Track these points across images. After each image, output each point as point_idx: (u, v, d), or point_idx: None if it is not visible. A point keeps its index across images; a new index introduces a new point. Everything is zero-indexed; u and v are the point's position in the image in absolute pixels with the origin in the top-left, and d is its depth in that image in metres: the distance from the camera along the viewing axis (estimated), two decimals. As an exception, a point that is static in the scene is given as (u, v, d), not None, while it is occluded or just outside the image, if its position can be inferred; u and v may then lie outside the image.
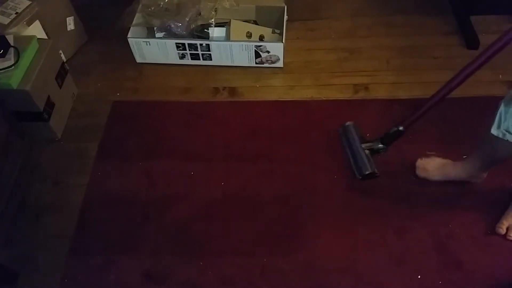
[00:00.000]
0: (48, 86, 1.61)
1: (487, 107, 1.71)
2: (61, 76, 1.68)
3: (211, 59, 1.85)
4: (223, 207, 1.47)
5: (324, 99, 1.77)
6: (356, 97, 1.77)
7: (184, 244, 1.40)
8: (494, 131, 1.09)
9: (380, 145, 1.41)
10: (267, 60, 1.84)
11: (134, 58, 1.91)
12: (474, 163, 1.36)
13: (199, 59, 1.86)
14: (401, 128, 1.33)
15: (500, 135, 1.09)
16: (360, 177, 1.44)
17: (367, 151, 1.44)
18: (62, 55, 1.82)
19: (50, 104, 1.60)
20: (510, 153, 1.17)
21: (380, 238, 1.38)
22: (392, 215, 1.42)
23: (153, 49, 1.84)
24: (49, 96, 1.59)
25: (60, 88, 1.68)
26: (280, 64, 1.85)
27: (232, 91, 1.82)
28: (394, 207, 1.43)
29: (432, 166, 1.47)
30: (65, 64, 1.74)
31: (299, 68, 1.88)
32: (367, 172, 1.41)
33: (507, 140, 1.08)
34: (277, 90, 1.81)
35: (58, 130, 1.68)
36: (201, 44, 1.79)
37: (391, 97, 1.75)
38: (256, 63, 1.85)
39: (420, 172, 1.48)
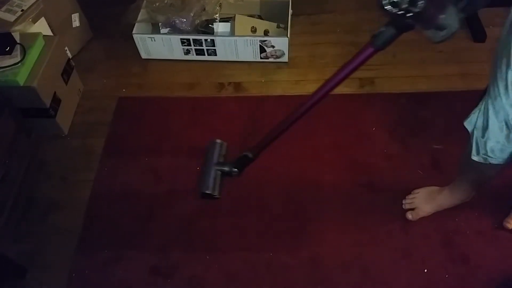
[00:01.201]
0: (54, 82, 1.61)
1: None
2: (67, 72, 1.69)
3: (216, 55, 1.85)
4: (229, 203, 1.47)
5: (330, 93, 1.76)
6: (362, 91, 1.76)
7: (190, 239, 1.41)
8: (474, 157, 1.02)
9: (234, 169, 1.35)
10: (272, 55, 1.83)
11: (139, 54, 1.91)
12: (464, 187, 1.27)
13: (204, 55, 1.86)
14: (250, 155, 1.27)
15: (482, 160, 1.01)
16: (199, 194, 1.39)
17: (218, 172, 1.39)
18: (68, 52, 1.83)
19: (56, 101, 1.61)
20: (497, 171, 1.08)
21: (386, 233, 1.38)
22: (398, 210, 1.42)
23: (158, 45, 1.84)
24: (55, 92, 1.60)
25: (66, 84, 1.69)
26: (285, 58, 1.85)
27: (237, 86, 1.81)
28: (399, 202, 1.43)
29: (420, 203, 1.37)
30: (71, 60, 1.75)
31: (304, 62, 1.88)
32: (205, 191, 1.36)
33: (490, 163, 1.00)
34: (282, 85, 1.81)
35: (65, 127, 1.69)
36: (206, 40, 1.79)
37: (397, 91, 1.74)
38: (261, 58, 1.84)
39: (414, 217, 1.38)
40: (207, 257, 1.37)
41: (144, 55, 1.91)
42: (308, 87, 1.78)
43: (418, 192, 1.40)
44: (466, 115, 1.73)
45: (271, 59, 1.85)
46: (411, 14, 0.80)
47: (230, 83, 1.82)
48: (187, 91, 1.81)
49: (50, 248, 1.42)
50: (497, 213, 1.39)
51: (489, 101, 0.92)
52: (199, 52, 1.85)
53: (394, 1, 0.80)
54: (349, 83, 1.78)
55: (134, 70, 1.90)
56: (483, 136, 0.97)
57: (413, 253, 1.34)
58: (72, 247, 1.41)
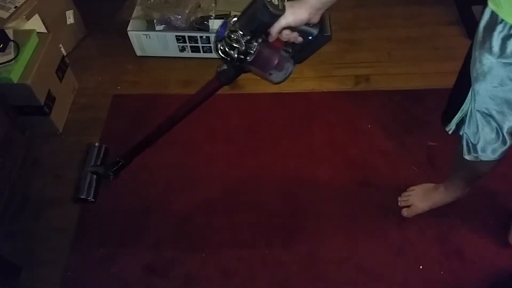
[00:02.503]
0: (49, 80, 1.60)
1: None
2: (61, 70, 1.68)
3: (211, 52, 1.84)
4: (224, 200, 1.47)
5: (325, 90, 1.76)
6: (357, 88, 1.77)
7: (186, 236, 1.41)
8: (467, 156, 1.02)
9: (110, 173, 1.31)
10: (267, 52, 1.82)
11: (134, 52, 1.90)
12: (458, 183, 1.28)
13: (200, 52, 1.85)
14: (122, 161, 1.27)
15: (474, 159, 1.02)
16: (74, 199, 1.34)
17: (94, 176, 1.35)
18: (62, 49, 1.82)
19: (50, 98, 1.60)
20: (491, 167, 1.09)
21: (381, 230, 1.38)
22: (393, 207, 1.42)
23: (153, 42, 1.84)
24: (49, 90, 1.59)
25: (61, 82, 1.68)
26: (280, 56, 1.84)
27: (233, 83, 1.80)
28: (394, 198, 1.43)
29: (415, 200, 1.38)
30: (65, 58, 1.74)
31: (300, 60, 1.87)
32: (79, 196, 1.31)
33: (482, 160, 1.01)
34: (278, 82, 1.81)
35: (59, 124, 1.68)
36: (201, 37, 1.78)
37: (392, 88, 1.75)
38: (256, 55, 1.84)
39: (409, 213, 1.38)
40: (203, 254, 1.36)
41: (139, 52, 1.90)
42: (304, 85, 1.78)
43: (413, 189, 1.41)
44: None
45: (266, 56, 1.84)
46: (244, 61, 0.88)
47: (225, 80, 1.82)
48: (182, 89, 1.80)
49: (45, 246, 1.41)
50: (491, 208, 1.39)
51: (475, 105, 0.93)
52: (195, 49, 1.84)
53: (225, 51, 0.87)
54: (344, 81, 1.79)
55: (129, 67, 1.89)
56: (474, 139, 0.98)
57: (408, 249, 1.34)
58: (67, 245, 1.40)
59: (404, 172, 1.50)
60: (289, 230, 1.40)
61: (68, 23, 1.88)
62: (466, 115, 0.99)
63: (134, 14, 1.85)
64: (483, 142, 0.97)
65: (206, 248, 1.38)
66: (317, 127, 1.64)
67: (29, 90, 1.47)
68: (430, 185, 1.39)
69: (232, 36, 0.86)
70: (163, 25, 1.88)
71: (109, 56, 1.94)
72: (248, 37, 0.86)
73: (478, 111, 0.93)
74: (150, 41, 1.83)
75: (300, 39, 0.88)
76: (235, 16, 0.88)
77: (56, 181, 1.56)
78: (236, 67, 0.95)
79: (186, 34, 1.79)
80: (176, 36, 1.79)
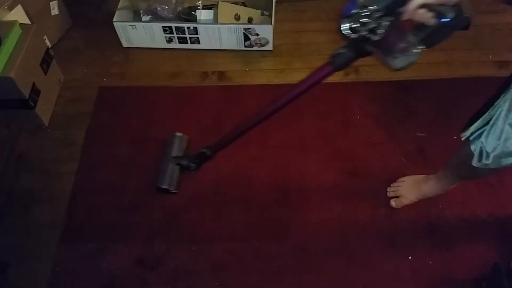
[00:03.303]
0: (33, 72, 1.57)
1: (478, 88, 1.71)
2: (46, 62, 1.64)
3: (199, 43, 1.82)
4: (215, 193, 1.47)
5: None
6: (346, 79, 1.76)
7: (176, 230, 1.40)
8: (476, 163, 0.99)
9: (192, 164, 1.35)
10: (256, 43, 1.81)
11: (121, 43, 1.87)
12: (451, 179, 1.27)
13: (187, 43, 1.83)
14: (208, 152, 1.27)
15: (483, 166, 0.99)
16: (156, 188, 1.40)
17: (176, 166, 1.38)
18: (47, 41, 1.78)
19: (35, 91, 1.57)
20: (491, 172, 1.06)
21: (371, 221, 1.39)
22: (383, 198, 1.42)
23: (140, 33, 1.80)
24: (34, 83, 1.55)
25: (46, 74, 1.65)
26: (269, 47, 1.83)
27: (221, 75, 1.79)
28: (384, 190, 1.44)
29: (404, 191, 1.38)
30: (50, 50, 1.70)
31: (289, 50, 1.86)
32: (161, 186, 1.37)
33: (490, 168, 0.99)
34: (267, 74, 1.79)
35: (45, 118, 1.65)
36: (188, 27, 1.76)
37: (382, 79, 1.74)
38: (245, 46, 1.82)
39: (397, 204, 1.39)
40: (193, 248, 1.36)
41: (125, 44, 1.87)
42: (293, 76, 1.77)
43: (403, 180, 1.41)
44: (451, 102, 1.74)
45: (255, 47, 1.83)
46: (370, 41, 0.81)
47: (214, 72, 1.80)
48: (170, 81, 1.78)
49: (33, 242, 1.40)
50: (479, 199, 1.41)
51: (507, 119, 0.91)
52: (182, 40, 1.82)
53: (353, 27, 0.81)
54: (334, 71, 1.78)
55: (115, 59, 1.86)
56: (490, 149, 0.95)
57: (397, 240, 1.35)
58: (55, 240, 1.39)
59: (394, 163, 1.51)
60: (280, 223, 1.40)
61: (52, 14, 1.84)
62: (487, 124, 0.96)
63: (120, 4, 1.82)
64: (501, 153, 0.94)
65: (196, 241, 1.37)
66: (306, 119, 1.63)
67: (13, 83, 1.44)
68: (420, 176, 1.39)
69: (363, 11, 0.79)
70: (150, 16, 1.85)
71: (95, 48, 1.91)
72: (380, 14, 0.78)
73: (510, 124, 0.90)
74: (137, 32, 1.80)
75: (433, 21, 0.80)
76: None
77: (43, 176, 1.53)
78: (357, 49, 0.88)
79: (173, 25, 1.76)
80: (162, 27, 1.76)
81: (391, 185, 1.43)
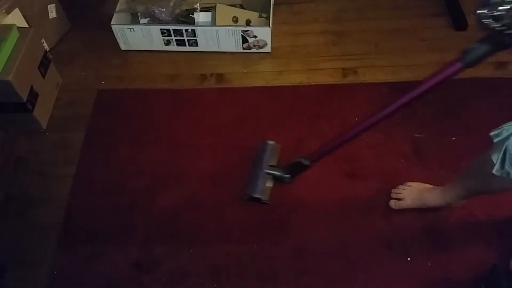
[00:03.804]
0: (31, 75, 1.57)
1: (475, 89, 1.71)
2: (44, 65, 1.65)
3: (197, 45, 1.82)
4: (212, 195, 1.46)
5: (313, 84, 1.75)
6: (345, 81, 1.76)
7: (174, 232, 1.39)
8: (497, 171, 0.93)
9: (286, 175, 1.28)
10: (254, 45, 1.81)
11: (119, 46, 1.87)
12: (458, 192, 1.24)
13: (185, 45, 1.83)
14: (307, 162, 1.20)
15: (504, 175, 0.93)
16: (246, 197, 1.33)
17: (268, 176, 1.32)
18: (45, 44, 1.78)
19: (33, 94, 1.57)
20: (506, 188, 1.03)
21: (369, 222, 1.38)
22: (381, 199, 1.42)
23: (138, 36, 1.81)
24: (32, 86, 1.55)
25: (44, 77, 1.65)
26: (267, 49, 1.83)
27: (220, 77, 1.79)
28: (381, 191, 1.43)
29: (407, 195, 1.37)
30: (48, 53, 1.70)
31: (287, 52, 1.86)
32: (254, 195, 1.30)
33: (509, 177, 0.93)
34: (265, 76, 1.79)
35: (43, 121, 1.65)
36: (186, 30, 1.76)
37: (380, 80, 1.74)
38: (243, 48, 1.82)
39: (396, 206, 1.39)
40: (191, 250, 1.35)
41: (123, 46, 1.87)
42: (292, 78, 1.77)
43: (410, 185, 1.40)
44: (449, 103, 1.74)
45: (253, 50, 1.83)
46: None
47: (212, 74, 1.80)
48: (168, 83, 1.78)
49: (30, 245, 1.39)
50: (480, 202, 1.40)
51: None
52: (180, 42, 1.82)
53: (495, 15, 0.72)
54: (332, 73, 1.78)
55: (113, 62, 1.86)
56: None
57: (396, 241, 1.35)
58: (53, 243, 1.38)
59: (391, 164, 1.50)
60: (277, 224, 1.39)
61: (50, 17, 1.84)
62: None
63: (118, 7, 1.82)
64: None
65: (194, 243, 1.37)
66: (304, 120, 1.63)
67: (11, 86, 1.44)
68: (427, 186, 1.38)
69: None
70: (148, 18, 1.85)
71: (93, 51, 1.91)
72: None
73: None
74: (135, 35, 1.80)
75: None
76: None
77: (41, 179, 1.53)
78: (495, 42, 0.79)
79: (171, 27, 1.76)
80: (160, 29, 1.77)
81: (397, 186, 1.42)
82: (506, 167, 0.91)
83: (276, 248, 1.35)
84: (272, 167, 1.32)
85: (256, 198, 1.27)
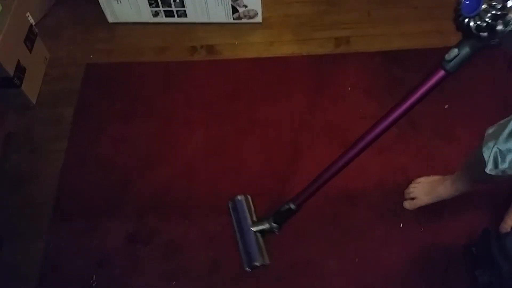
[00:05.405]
0: (17, 50, 1.53)
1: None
2: (30, 39, 1.61)
3: (186, 16, 1.78)
4: (205, 167, 1.46)
5: (305, 54, 1.73)
6: (337, 51, 1.74)
7: (168, 204, 1.40)
8: (491, 171, 0.89)
9: (274, 224, 1.21)
10: (245, 15, 1.78)
11: (106, 18, 1.82)
12: (467, 181, 1.20)
13: (174, 16, 1.79)
14: (292, 206, 1.16)
15: (499, 174, 0.89)
16: (249, 270, 1.21)
17: (258, 234, 1.23)
18: (30, 18, 1.73)
19: (20, 69, 1.54)
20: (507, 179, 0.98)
21: (361, 190, 1.39)
22: (373, 169, 1.43)
23: (125, 8, 1.76)
24: (19, 60, 1.52)
25: (31, 52, 1.61)
26: (258, 19, 1.79)
27: (210, 49, 1.76)
28: (375, 162, 1.44)
29: (420, 193, 1.34)
30: (34, 26, 1.66)
31: (279, 23, 1.83)
32: (256, 264, 1.19)
33: (507, 175, 0.89)
34: (256, 47, 1.77)
35: (32, 96, 1.62)
36: (174, 0, 1.72)
37: (373, 49, 1.72)
38: (233, 18, 1.79)
39: (411, 206, 1.35)
40: (186, 221, 1.36)
41: (111, 19, 1.83)
42: (283, 49, 1.75)
43: (419, 182, 1.37)
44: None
45: (244, 20, 1.80)
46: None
47: (202, 46, 1.77)
48: (158, 56, 1.75)
49: (24, 220, 1.39)
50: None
51: None
52: (169, 13, 1.78)
53: (488, 24, 0.72)
54: (324, 43, 1.76)
55: (101, 35, 1.82)
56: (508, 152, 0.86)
57: (388, 208, 1.36)
58: (46, 218, 1.38)
59: (385, 134, 1.50)
60: (270, 193, 1.40)
61: (34, -10, 1.79)
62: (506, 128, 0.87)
63: (104, -22, 1.77)
64: None
65: (188, 216, 1.37)
66: (296, 92, 1.62)
67: (-4, 61, 1.41)
68: (436, 178, 1.34)
69: (494, 4, 0.71)
70: (135, -11, 1.80)
71: (81, 24, 1.86)
72: None
73: None
74: (122, 7, 1.76)
75: None
76: None
77: (32, 155, 1.52)
78: (482, 46, 0.79)
79: (159, -2, 1.72)
80: (148, 0, 1.72)
81: (409, 186, 1.38)
82: (501, 167, 0.88)
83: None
84: (256, 223, 1.25)
85: (257, 266, 1.19)
